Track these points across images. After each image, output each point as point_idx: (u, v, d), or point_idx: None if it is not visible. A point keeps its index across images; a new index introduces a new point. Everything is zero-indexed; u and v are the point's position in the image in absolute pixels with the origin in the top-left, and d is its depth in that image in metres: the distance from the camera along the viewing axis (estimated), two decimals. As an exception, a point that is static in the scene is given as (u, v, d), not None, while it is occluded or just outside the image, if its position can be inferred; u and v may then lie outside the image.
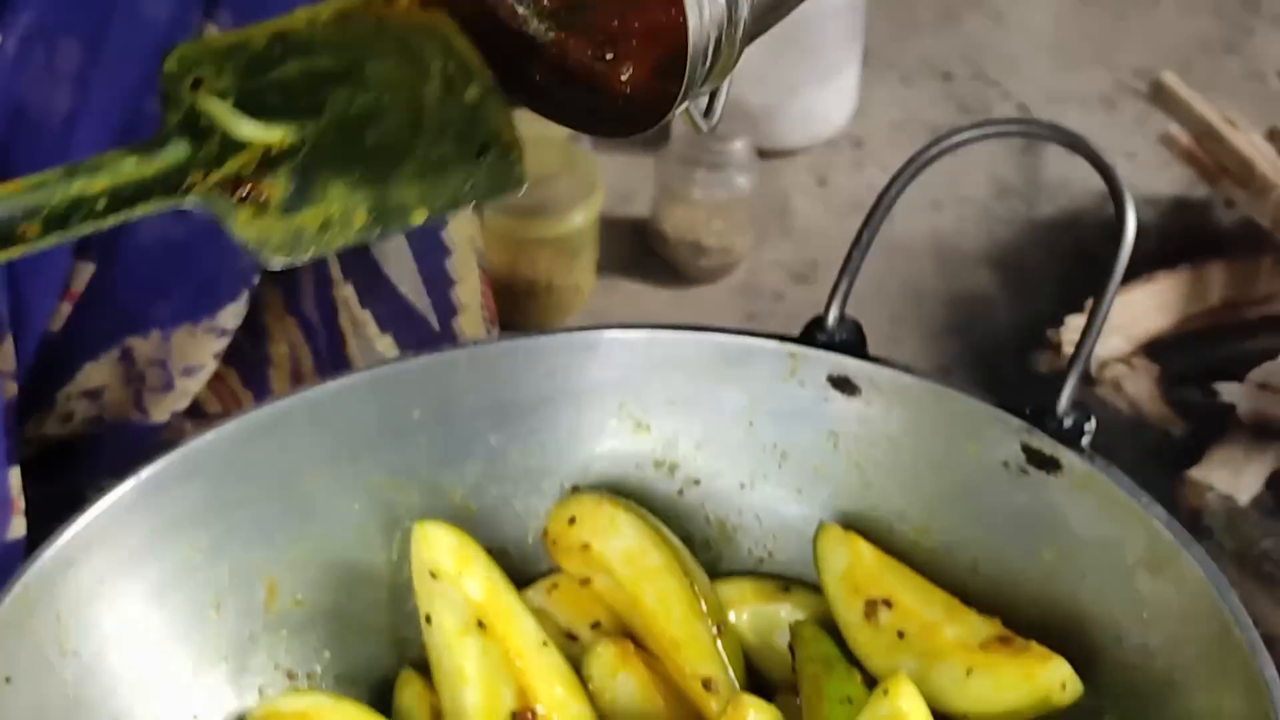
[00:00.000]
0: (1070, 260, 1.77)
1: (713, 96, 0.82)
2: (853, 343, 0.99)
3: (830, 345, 0.99)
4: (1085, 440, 0.92)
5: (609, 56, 0.79)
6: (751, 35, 0.77)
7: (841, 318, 0.99)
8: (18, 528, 1.16)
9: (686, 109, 0.79)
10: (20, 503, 1.17)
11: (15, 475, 1.13)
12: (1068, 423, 0.92)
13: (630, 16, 0.78)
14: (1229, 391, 1.50)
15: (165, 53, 0.79)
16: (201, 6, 1.10)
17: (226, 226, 0.78)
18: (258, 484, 0.97)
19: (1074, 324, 1.47)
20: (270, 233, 0.79)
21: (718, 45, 0.75)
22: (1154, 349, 1.58)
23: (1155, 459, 1.47)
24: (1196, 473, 1.40)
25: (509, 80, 0.81)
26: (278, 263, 0.79)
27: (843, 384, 0.99)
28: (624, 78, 0.78)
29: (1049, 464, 0.93)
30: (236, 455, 0.96)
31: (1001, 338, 1.68)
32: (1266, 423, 1.45)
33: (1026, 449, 0.93)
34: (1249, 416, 1.46)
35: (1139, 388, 1.51)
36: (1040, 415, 0.93)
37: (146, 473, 0.94)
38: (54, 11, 1.06)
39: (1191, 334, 1.62)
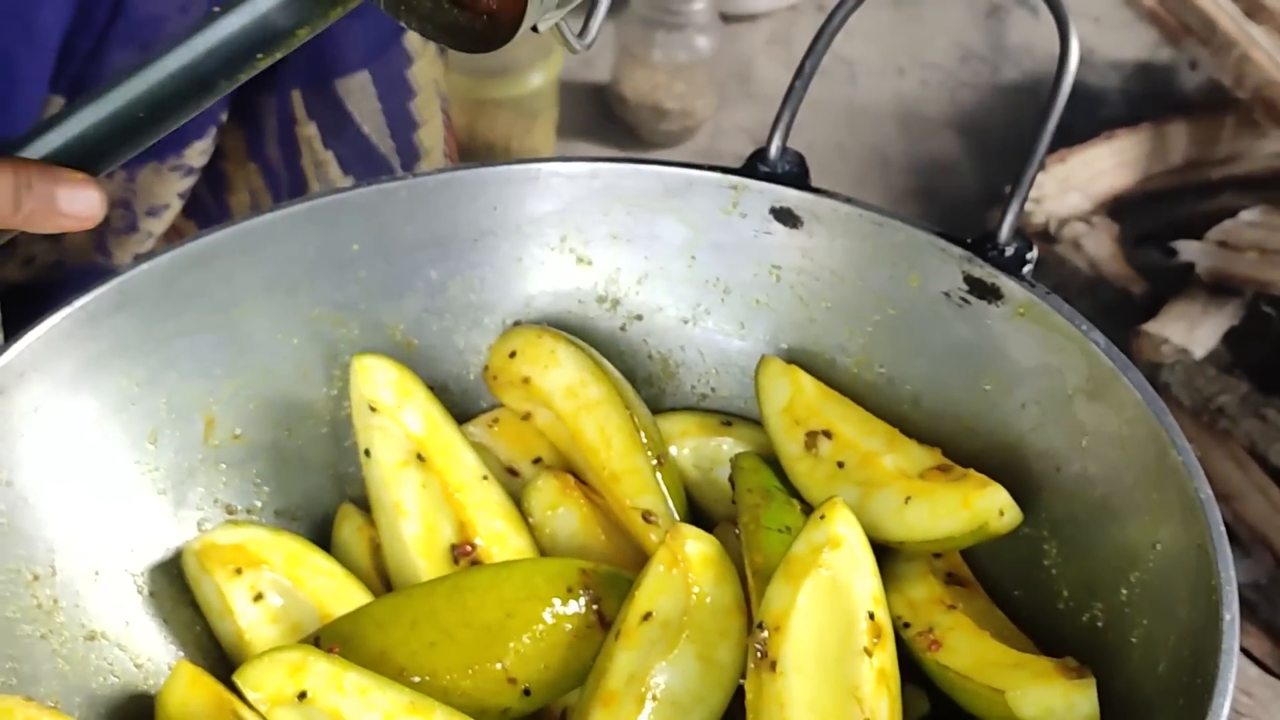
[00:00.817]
0: (1034, 125, 1.75)
1: (589, 15, 0.81)
2: (795, 174, 0.97)
3: (772, 177, 0.97)
4: (1026, 269, 0.91)
5: None
6: None
7: (784, 150, 0.98)
8: None
9: (557, 26, 0.78)
10: None
11: None
12: (1009, 251, 0.91)
13: None
14: (1188, 250, 1.50)
15: None
16: None
17: None
18: (194, 315, 0.96)
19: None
20: None
21: None
22: (1115, 208, 1.57)
23: (1113, 316, 1.47)
24: (1153, 327, 1.39)
25: None
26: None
27: (785, 215, 0.97)
28: None
29: (990, 292, 0.92)
30: (172, 286, 0.95)
31: (964, 200, 1.67)
32: (1224, 280, 1.44)
33: (968, 278, 0.92)
34: (1208, 274, 1.46)
35: (1099, 246, 1.51)
36: (981, 244, 0.92)
37: (80, 302, 0.93)
38: None
39: (1152, 193, 1.61)
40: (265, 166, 1.33)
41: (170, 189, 1.27)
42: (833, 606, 0.86)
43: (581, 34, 0.81)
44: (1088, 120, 1.65)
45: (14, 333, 1.18)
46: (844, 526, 0.87)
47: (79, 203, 0.76)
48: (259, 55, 0.78)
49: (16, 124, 1.14)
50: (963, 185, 1.69)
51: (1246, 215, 1.46)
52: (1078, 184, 1.52)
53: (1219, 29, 1.56)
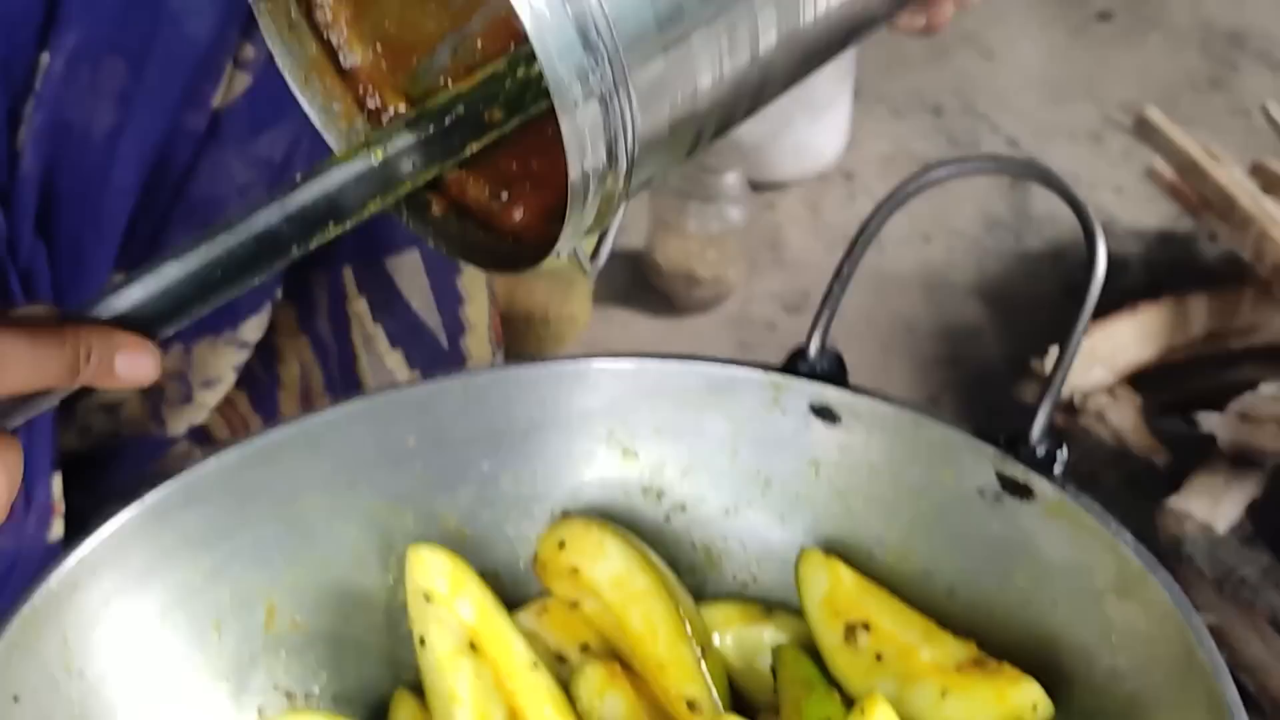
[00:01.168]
0: (1057, 292, 1.80)
1: (601, 238, 0.85)
2: (834, 372, 1.02)
3: (812, 375, 1.02)
4: (1057, 468, 0.95)
5: (504, 197, 0.82)
6: (635, 188, 0.77)
7: (823, 348, 1.02)
8: (58, 529, 1.20)
9: (574, 251, 0.81)
10: (61, 506, 1.21)
11: (57, 481, 1.17)
12: (1040, 451, 0.95)
13: (529, 161, 0.80)
14: (1210, 421, 1.53)
15: None
16: (241, 26, 1.13)
17: None
18: (257, 509, 1.00)
19: (1057, 354, 1.50)
20: None
21: (598, 195, 0.75)
22: (1137, 379, 1.61)
23: (1137, 487, 1.50)
24: (1176, 501, 1.43)
25: (413, 214, 0.86)
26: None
27: (824, 413, 1.02)
28: (516, 218, 0.81)
29: (1022, 491, 0.95)
30: (236, 481, 0.99)
31: (990, 368, 1.71)
32: (1246, 452, 1.48)
33: (1000, 476, 0.96)
34: (1229, 446, 1.49)
35: (1122, 417, 1.54)
36: (1014, 443, 0.96)
37: (150, 498, 0.97)
38: (100, 31, 1.09)
39: (1174, 365, 1.65)
40: (315, 339, 1.37)
41: (225, 362, 1.31)
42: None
43: (593, 257, 0.86)
44: (1110, 288, 1.69)
45: (73, 500, 1.23)
46: (882, 720, 0.90)
47: (135, 368, 0.78)
48: (332, 223, 0.80)
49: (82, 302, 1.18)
50: (989, 351, 1.73)
51: (1266, 388, 1.50)
52: (1101, 357, 1.56)
53: (1238, 205, 1.61)
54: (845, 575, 1.01)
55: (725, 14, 0.72)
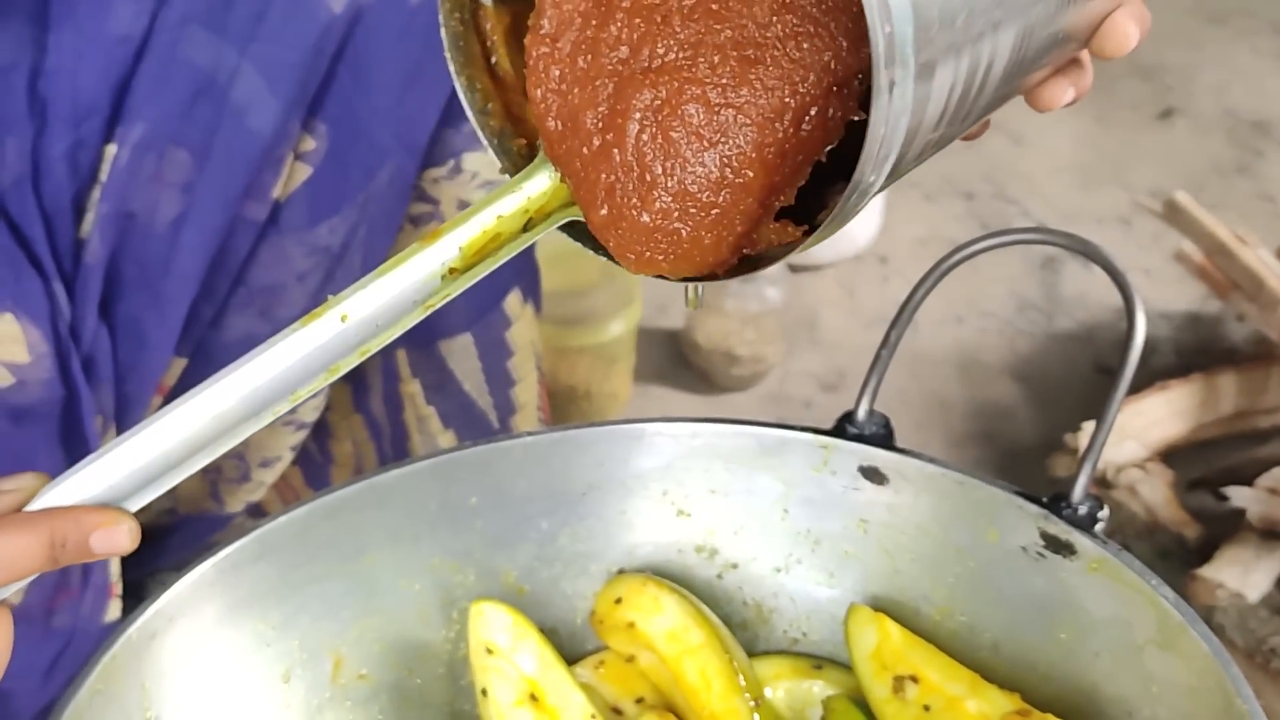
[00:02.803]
0: (1088, 372, 1.83)
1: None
2: (881, 435, 1.05)
3: (860, 438, 1.05)
4: (1099, 526, 0.99)
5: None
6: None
7: (870, 412, 1.06)
8: (114, 611, 1.23)
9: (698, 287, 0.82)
10: (118, 588, 1.23)
11: (115, 562, 1.20)
12: (1082, 510, 0.99)
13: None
14: (1240, 496, 1.56)
15: None
16: (301, 120, 1.17)
17: None
18: (325, 564, 1.04)
19: (1090, 429, 1.53)
20: None
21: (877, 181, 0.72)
22: (1168, 455, 1.64)
23: (1168, 560, 1.53)
24: (1208, 571, 1.46)
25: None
26: None
27: (872, 474, 1.05)
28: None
29: (1064, 548, 0.99)
30: (306, 536, 1.03)
31: (1022, 445, 1.74)
32: (1275, 526, 1.50)
33: (1044, 534, 1.00)
34: (1259, 520, 1.52)
35: (1154, 492, 1.57)
36: (1056, 503, 0.99)
37: (223, 553, 1.00)
38: (166, 124, 1.13)
39: (1204, 441, 1.68)
40: (369, 419, 1.41)
41: (283, 443, 1.34)
42: (922, 844, 0.92)
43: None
44: (1140, 369, 1.72)
45: (127, 574, 1.26)
46: (933, 768, 0.93)
47: (111, 543, 0.79)
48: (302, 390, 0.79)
49: (142, 385, 1.21)
50: (1021, 430, 1.77)
51: (1294, 464, 1.53)
52: (1133, 432, 1.59)
53: (1266, 286, 1.64)
54: (893, 630, 1.04)
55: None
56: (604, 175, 0.72)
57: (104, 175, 1.12)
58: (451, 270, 0.77)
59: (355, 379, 1.38)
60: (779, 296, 1.82)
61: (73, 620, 1.21)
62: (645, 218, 0.71)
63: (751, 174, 0.69)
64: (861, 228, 1.97)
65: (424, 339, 1.36)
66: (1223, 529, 1.56)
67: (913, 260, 1.96)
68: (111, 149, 1.12)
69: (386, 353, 1.36)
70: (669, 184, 0.70)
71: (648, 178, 0.71)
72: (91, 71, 1.11)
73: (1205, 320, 1.85)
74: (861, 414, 1.06)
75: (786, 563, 1.09)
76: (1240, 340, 1.80)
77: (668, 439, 1.08)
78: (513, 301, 1.38)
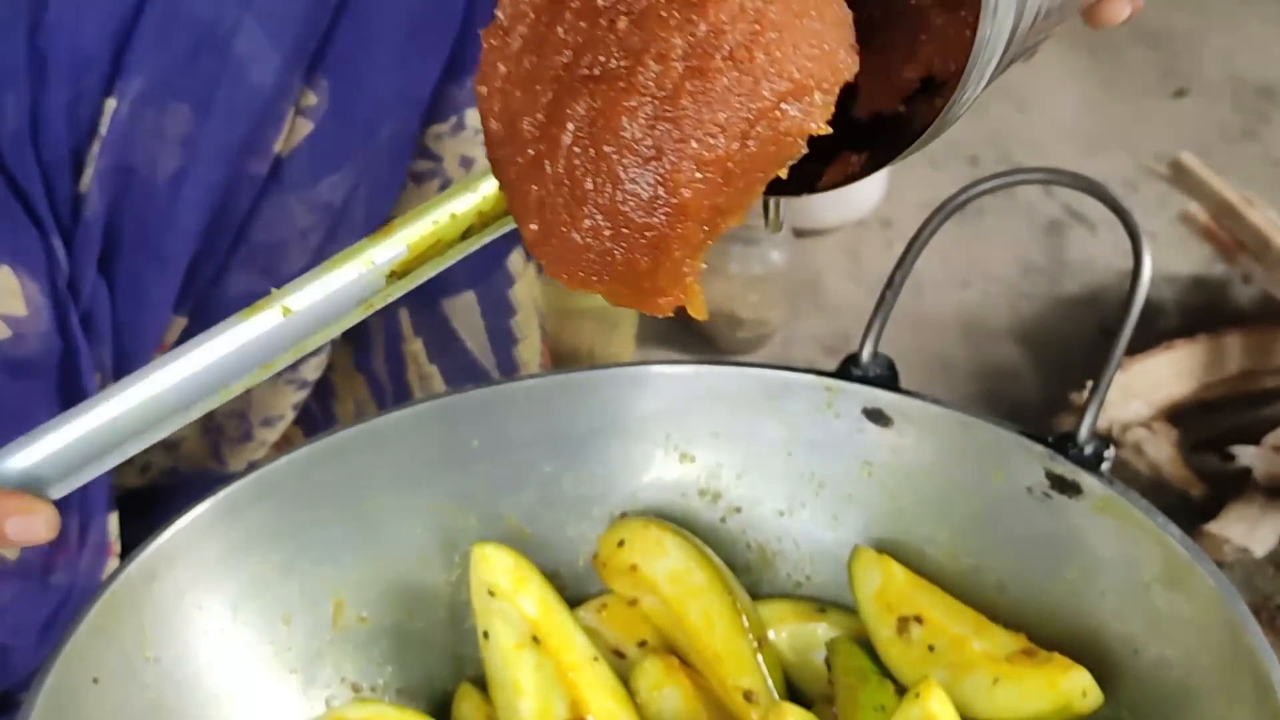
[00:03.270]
0: (1093, 335, 1.83)
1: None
2: (885, 377, 1.05)
3: (864, 379, 1.05)
4: (1104, 466, 0.98)
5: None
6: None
7: (874, 354, 1.05)
8: (113, 568, 1.22)
9: (777, 204, 0.81)
10: (116, 546, 1.23)
11: (113, 520, 1.19)
12: (1088, 450, 0.98)
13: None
14: (1246, 455, 1.56)
15: None
16: (303, 74, 1.16)
17: None
18: (326, 507, 1.04)
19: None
20: None
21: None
22: (1174, 415, 1.63)
23: (1174, 517, 1.52)
24: (1214, 527, 1.45)
25: None
26: None
27: (876, 416, 1.05)
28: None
29: (1070, 488, 0.98)
30: (307, 479, 1.02)
31: (1026, 407, 1.74)
32: (1282, 484, 1.50)
33: (1049, 474, 0.99)
34: (1265, 478, 1.51)
35: (1159, 451, 1.57)
36: (1062, 443, 0.99)
37: (223, 494, 1.00)
38: (166, 78, 1.12)
39: (1210, 401, 1.67)
40: (371, 378, 1.40)
41: (285, 401, 1.33)
42: (927, 779, 0.91)
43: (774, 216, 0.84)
44: (1146, 332, 1.72)
45: (130, 533, 1.25)
46: (937, 704, 0.92)
47: (28, 532, 0.77)
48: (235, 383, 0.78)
49: (142, 343, 1.20)
50: (1024, 392, 1.76)
51: (1301, 422, 1.53)
52: (1139, 391, 1.59)
53: (1272, 246, 1.64)
54: (897, 571, 1.03)
55: None
56: (534, 188, 0.67)
57: (103, 129, 1.12)
58: (393, 273, 0.75)
59: (357, 338, 1.38)
60: (782, 260, 1.81)
61: (70, 578, 1.20)
62: (575, 236, 0.66)
63: (689, 194, 0.64)
64: (865, 192, 1.96)
65: (427, 297, 1.35)
66: (1228, 489, 1.55)
67: (917, 225, 1.95)
68: (111, 103, 1.11)
69: (389, 311, 1.36)
70: (599, 201, 0.65)
71: (577, 193, 0.65)
72: (91, 24, 1.10)
73: (1211, 283, 1.84)
74: (865, 356, 1.05)
75: (790, 506, 1.09)
76: (1246, 303, 1.80)
77: (670, 382, 1.07)
78: (515, 259, 1.37)
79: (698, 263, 0.69)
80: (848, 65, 0.66)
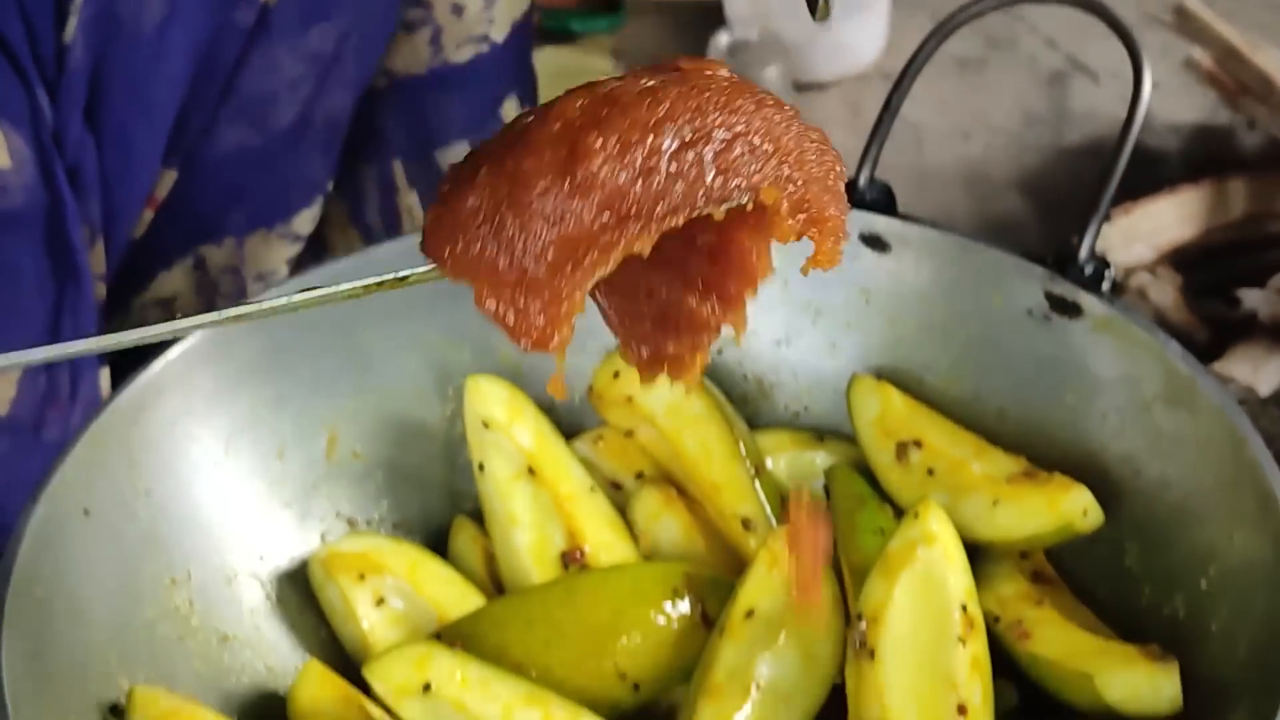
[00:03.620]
0: (1096, 185, 1.80)
1: None
2: (883, 202, 1.03)
3: (862, 204, 1.03)
4: (1105, 285, 0.97)
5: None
6: None
7: (871, 180, 1.03)
8: None
9: None
10: None
11: (105, 375, 1.18)
12: (1088, 270, 0.97)
13: None
14: (1251, 298, 1.54)
15: None
16: None
17: None
18: (318, 339, 1.03)
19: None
20: None
21: None
22: (1178, 260, 1.61)
23: (1179, 361, 1.51)
24: (1219, 367, 1.43)
25: None
26: None
27: (874, 241, 1.03)
28: None
29: (1070, 309, 0.97)
30: (298, 312, 1.01)
31: (1029, 257, 1.72)
32: (1287, 327, 1.48)
33: (1049, 296, 0.98)
34: (1270, 320, 1.50)
35: (1162, 295, 1.55)
36: (1062, 264, 0.98)
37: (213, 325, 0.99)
38: None
39: (1214, 246, 1.65)
40: (365, 232, 1.39)
41: (278, 255, 1.32)
42: (927, 598, 0.90)
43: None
44: (1149, 179, 1.70)
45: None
46: (937, 524, 0.92)
47: None
48: None
49: (130, 196, 1.19)
50: (1027, 242, 1.74)
51: (1308, 265, 1.51)
52: (1142, 235, 1.57)
53: (1277, 88, 1.61)
54: (896, 397, 1.02)
55: None
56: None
57: None
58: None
59: (351, 191, 1.36)
60: (782, 112, 1.79)
61: (62, 433, 1.19)
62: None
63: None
64: (867, 44, 1.93)
65: (421, 149, 1.34)
66: (1232, 334, 1.53)
67: (918, 77, 1.93)
68: None
69: (382, 163, 1.34)
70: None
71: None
72: None
73: (1215, 132, 1.82)
74: (862, 181, 1.04)
75: (787, 335, 1.08)
76: (1251, 150, 1.77)
77: (665, 210, 1.06)
78: (509, 109, 1.36)
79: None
80: None
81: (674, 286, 0.70)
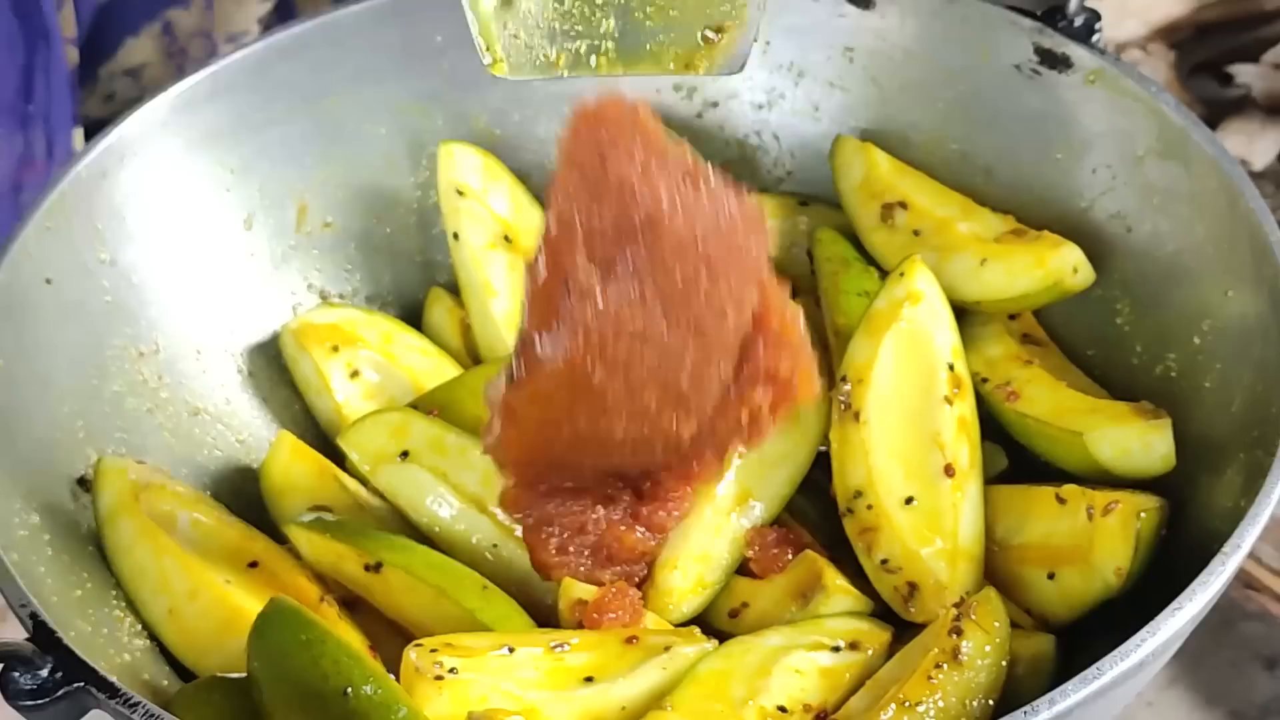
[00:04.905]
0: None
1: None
2: (867, -45, 1.00)
3: (843, -42, 1.00)
4: (1095, 38, 0.94)
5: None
6: None
7: (854, -67, 1.00)
8: None
9: None
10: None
11: (78, 134, 1.16)
12: (1078, 21, 0.94)
13: None
14: (1244, 73, 1.51)
15: None
16: None
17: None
18: (285, 105, 0.99)
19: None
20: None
21: None
22: (1171, 38, 1.58)
23: (1171, 138, 1.48)
24: (1212, 140, 1.41)
25: None
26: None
27: (857, -3, 1.00)
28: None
29: (1060, 62, 0.94)
30: (263, 76, 0.98)
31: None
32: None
33: (1038, 49, 0.95)
34: (1263, 96, 1.47)
35: (1155, 73, 1.52)
36: (1051, 16, 0.94)
37: (176, 90, 0.96)
38: None
39: (1206, 24, 1.62)
40: None
41: (249, 14, 1.29)
42: (913, 358, 0.88)
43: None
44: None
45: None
46: (923, 282, 0.89)
47: None
48: None
49: None
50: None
51: (1302, 39, 1.48)
52: (1134, 10, 1.53)
53: None
54: (881, 159, 1.00)
55: None
56: None
57: None
58: None
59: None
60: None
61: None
62: None
63: None
64: None
65: None
66: (1226, 111, 1.51)
67: None
68: None
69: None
70: None
71: None
72: None
73: (1208, -93, 1.78)
74: (845, -65, 1.00)
75: (769, 98, 1.05)
76: (1245, -74, 1.73)
77: (642, -30, 1.02)
78: None
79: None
80: None
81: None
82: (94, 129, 1.23)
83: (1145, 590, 0.80)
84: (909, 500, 0.86)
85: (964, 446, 0.87)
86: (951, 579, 0.84)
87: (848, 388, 0.88)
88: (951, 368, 0.88)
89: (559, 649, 0.80)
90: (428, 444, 0.89)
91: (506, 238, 0.99)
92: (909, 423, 0.88)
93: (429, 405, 0.93)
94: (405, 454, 0.89)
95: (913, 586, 0.84)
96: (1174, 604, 0.70)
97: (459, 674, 0.75)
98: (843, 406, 0.88)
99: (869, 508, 0.86)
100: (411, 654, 0.76)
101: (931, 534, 0.85)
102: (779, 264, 1.00)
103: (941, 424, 0.87)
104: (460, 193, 0.99)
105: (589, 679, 0.79)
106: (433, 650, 0.76)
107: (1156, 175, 0.91)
